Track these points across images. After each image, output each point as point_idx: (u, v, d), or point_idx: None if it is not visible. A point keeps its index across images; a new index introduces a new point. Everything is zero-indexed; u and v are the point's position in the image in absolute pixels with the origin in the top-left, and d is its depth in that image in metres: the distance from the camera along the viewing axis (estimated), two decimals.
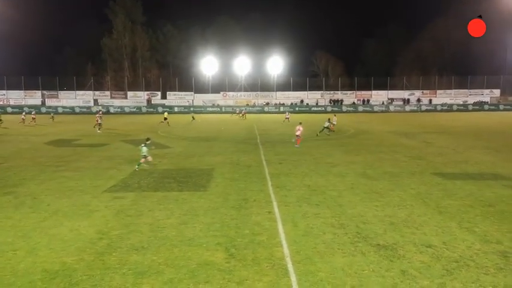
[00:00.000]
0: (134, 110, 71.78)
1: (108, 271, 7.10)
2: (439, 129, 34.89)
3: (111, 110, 70.63)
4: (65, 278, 6.86)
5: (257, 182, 14.13)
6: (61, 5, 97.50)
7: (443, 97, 76.06)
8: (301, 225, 9.51)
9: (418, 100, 75.50)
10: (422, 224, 9.55)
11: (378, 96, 76.81)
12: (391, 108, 72.83)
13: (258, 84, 79.33)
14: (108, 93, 77.57)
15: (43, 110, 66.14)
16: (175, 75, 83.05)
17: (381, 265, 7.28)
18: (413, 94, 77.06)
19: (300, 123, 24.39)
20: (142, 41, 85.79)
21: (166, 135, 30.94)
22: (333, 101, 76.54)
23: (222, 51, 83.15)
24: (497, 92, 76.03)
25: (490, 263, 7.35)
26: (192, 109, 69.24)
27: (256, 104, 74.61)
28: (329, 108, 72.08)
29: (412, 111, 71.20)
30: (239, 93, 78.46)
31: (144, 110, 72.02)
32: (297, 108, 70.22)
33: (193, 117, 47.83)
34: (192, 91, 77.41)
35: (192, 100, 75.88)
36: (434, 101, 75.09)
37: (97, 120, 34.68)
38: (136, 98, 76.51)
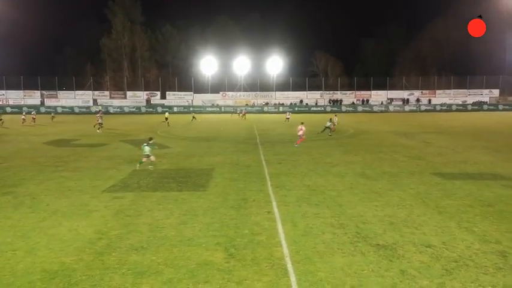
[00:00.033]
0: (133, 110, 71.75)
1: (107, 271, 7.09)
2: (438, 129, 34.92)
3: (111, 110, 70.60)
4: (64, 278, 6.85)
5: (256, 182, 14.12)
6: (60, 5, 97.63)
7: (443, 97, 76.16)
8: (301, 225, 9.51)
9: (418, 100, 75.57)
10: (422, 223, 9.55)
11: (377, 96, 76.89)
12: (391, 108, 72.88)
13: (258, 84, 79.35)
14: (107, 93, 77.56)
15: (42, 110, 66.08)
16: (174, 75, 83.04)
17: (380, 265, 7.28)
18: (413, 94, 77.14)
19: (302, 123, 24.41)
20: (141, 41, 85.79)
21: (166, 135, 30.92)
22: (332, 101, 76.58)
23: (221, 51, 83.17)
24: (496, 92, 76.14)
25: (489, 262, 7.36)
26: (191, 109, 69.23)
27: (256, 104, 74.60)
28: (328, 108, 72.11)
29: (411, 111, 71.26)
30: (238, 93, 78.47)
31: (143, 110, 71.99)
32: (296, 108, 70.23)
33: (194, 117, 47.76)
34: (191, 91, 77.41)
35: (192, 100, 75.88)
36: (434, 101, 75.18)
37: (97, 120, 34.69)
38: (136, 98, 76.50)
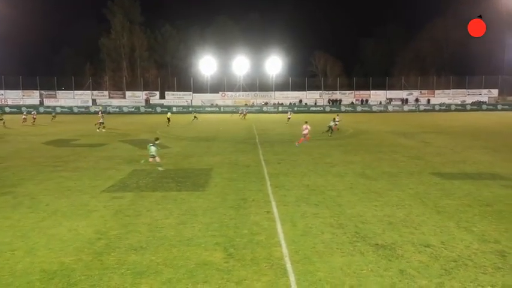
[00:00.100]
0: (132, 109, 71.67)
1: (106, 271, 7.09)
2: (437, 129, 34.95)
3: (109, 109, 70.49)
4: (63, 278, 6.85)
5: (256, 182, 14.13)
6: (59, 5, 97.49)
7: (442, 97, 76.21)
8: (300, 225, 9.52)
9: (417, 100, 75.62)
10: (421, 223, 9.57)
11: (376, 96, 76.91)
12: (390, 108, 72.91)
13: (257, 84, 79.33)
14: (106, 93, 77.47)
15: (41, 110, 65.99)
16: (173, 75, 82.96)
17: (380, 265, 7.29)
18: (412, 94, 77.18)
19: (306, 122, 24.48)
20: (140, 41, 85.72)
21: (165, 135, 30.89)
22: (331, 101, 76.59)
23: (220, 51, 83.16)
24: (495, 92, 76.22)
25: (488, 262, 7.37)
26: (190, 109, 69.19)
27: (255, 104, 74.60)
28: (327, 108, 72.11)
29: (410, 111, 71.30)
30: (238, 93, 78.44)
31: (142, 109, 71.93)
32: (295, 108, 70.19)
33: (195, 117, 47.61)
34: (190, 91, 77.37)
35: (191, 100, 75.84)
36: (433, 101, 75.22)
37: (99, 119, 34.79)
38: (135, 97, 76.44)
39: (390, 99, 76.29)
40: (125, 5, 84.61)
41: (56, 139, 28.34)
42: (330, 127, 30.23)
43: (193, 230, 9.19)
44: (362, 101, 76.42)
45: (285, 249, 7.99)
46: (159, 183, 13.98)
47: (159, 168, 16.11)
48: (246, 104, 71.80)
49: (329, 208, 10.87)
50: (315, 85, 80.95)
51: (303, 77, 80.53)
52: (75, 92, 75.53)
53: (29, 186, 13.73)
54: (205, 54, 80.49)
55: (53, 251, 8.03)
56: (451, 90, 76.79)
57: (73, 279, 6.78)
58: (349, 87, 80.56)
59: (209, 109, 71.88)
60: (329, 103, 75.61)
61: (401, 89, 78.25)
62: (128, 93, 77.24)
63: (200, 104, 73.91)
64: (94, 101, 74.60)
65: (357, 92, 77.81)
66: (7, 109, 65.78)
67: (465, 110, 70.16)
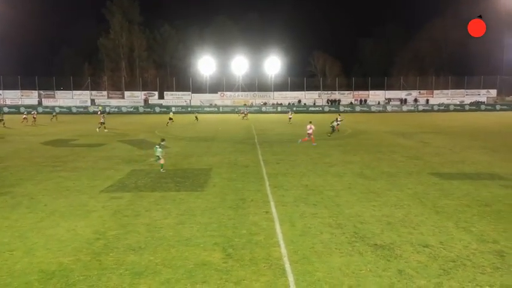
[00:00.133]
0: (131, 109, 71.56)
1: (105, 271, 7.08)
2: (436, 129, 34.99)
3: (108, 109, 70.35)
4: (61, 278, 6.84)
5: (255, 182, 14.13)
6: (58, 5, 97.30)
7: (440, 97, 76.27)
8: (299, 225, 9.52)
9: (415, 100, 75.66)
10: (420, 223, 9.58)
11: (375, 96, 76.92)
12: (389, 108, 72.93)
13: (256, 84, 79.28)
14: (105, 93, 77.33)
15: (40, 110, 65.86)
16: (172, 75, 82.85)
17: (378, 265, 7.30)
18: (411, 94, 77.21)
19: (310, 122, 24.52)
20: (139, 41, 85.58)
21: (164, 135, 30.86)
22: (330, 101, 76.59)
23: (219, 51, 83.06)
24: (493, 92, 76.30)
25: (486, 262, 7.38)
26: (189, 109, 69.17)
27: (254, 104, 74.59)
28: (326, 108, 72.14)
29: (409, 111, 71.32)
30: (237, 93, 78.39)
31: (141, 110, 71.83)
32: (294, 109, 70.14)
33: (196, 117, 47.55)
34: (189, 91, 77.31)
35: (190, 100, 75.77)
36: (431, 101, 75.27)
37: (100, 119, 34.83)
38: (134, 98, 76.32)
39: (389, 99, 76.32)
40: (123, 5, 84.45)
41: (55, 139, 28.30)
42: (333, 127, 30.27)
43: (192, 230, 9.19)
44: (361, 101, 76.43)
45: (283, 250, 8.00)
46: (157, 184, 13.97)
47: (161, 170, 16.03)
48: (245, 104, 71.77)
49: (328, 208, 10.88)
50: (314, 85, 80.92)
51: (301, 77, 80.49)
52: (74, 92, 75.39)
53: (28, 186, 13.72)
54: (204, 54, 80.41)
55: (52, 251, 8.02)
56: (450, 90, 76.84)
57: (71, 280, 6.78)
58: (348, 87, 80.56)
59: (208, 109, 71.82)
60: (328, 103, 75.62)
61: (400, 89, 78.27)
62: (127, 93, 77.12)
63: (199, 104, 73.87)
64: (93, 101, 74.48)
65: (356, 92, 77.80)
66: (5, 109, 65.59)
67: (464, 110, 70.22)
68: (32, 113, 45.27)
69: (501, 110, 69.14)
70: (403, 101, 75.98)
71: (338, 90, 79.30)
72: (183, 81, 79.43)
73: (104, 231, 9.13)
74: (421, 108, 72.30)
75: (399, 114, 62.69)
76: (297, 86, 79.01)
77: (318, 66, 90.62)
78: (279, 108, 71.52)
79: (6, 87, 73.41)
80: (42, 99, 73.46)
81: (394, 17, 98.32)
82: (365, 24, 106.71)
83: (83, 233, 9.03)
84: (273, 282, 6.65)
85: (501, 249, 8.01)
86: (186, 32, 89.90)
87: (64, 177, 15.08)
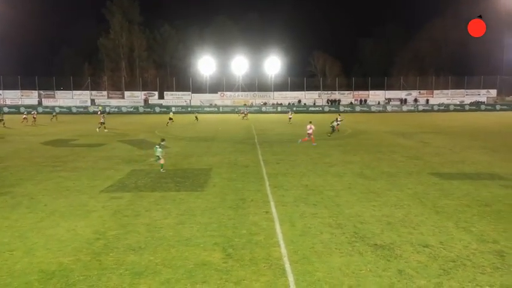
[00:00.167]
0: (131, 109, 71.57)
1: (105, 271, 7.08)
2: (436, 129, 34.99)
3: (108, 110, 70.36)
4: (61, 278, 6.84)
5: (255, 182, 14.13)
6: (58, 5, 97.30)
7: (440, 97, 76.27)
8: (299, 225, 9.52)
9: (415, 100, 75.67)
10: (419, 223, 9.58)
11: (375, 96, 76.93)
12: (389, 108, 72.93)
13: (256, 84, 79.27)
14: (105, 93, 77.33)
15: (40, 110, 65.87)
16: (172, 75, 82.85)
17: (378, 265, 7.30)
18: (411, 94, 77.22)
19: (310, 122, 24.53)
20: (139, 41, 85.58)
21: (164, 135, 30.86)
22: (330, 101, 76.59)
23: (219, 51, 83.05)
24: (493, 92, 76.32)
25: (486, 262, 7.38)
26: (189, 109, 69.19)
27: (254, 104, 74.59)
28: (326, 109, 72.15)
29: (409, 111, 71.32)
30: (237, 93, 78.39)
31: (141, 110, 71.83)
32: (294, 109, 70.17)
33: (196, 118, 47.53)
34: (189, 91, 77.31)
35: (190, 100, 75.78)
36: (431, 101, 75.27)
37: (100, 119, 34.86)
38: (134, 98, 76.32)
39: (389, 99, 76.32)
40: (123, 5, 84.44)
41: (55, 139, 28.30)
42: (333, 127, 30.30)
43: (192, 230, 9.19)
44: (361, 101, 76.43)
45: (283, 250, 8.00)
46: (157, 184, 13.97)
47: (161, 170, 16.03)
48: (245, 104, 71.78)
49: (328, 208, 10.88)
50: (314, 85, 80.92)
51: (301, 77, 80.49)
52: (74, 92, 75.39)
53: (28, 186, 13.72)
54: (204, 54, 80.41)
55: (52, 251, 8.02)
56: (450, 90, 76.85)
57: (71, 280, 6.78)
58: (348, 87, 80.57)
59: (208, 109, 71.83)
60: (328, 103, 75.62)
61: (400, 89, 78.27)
62: (127, 93, 77.12)
63: (199, 104, 73.88)
64: (93, 101, 74.49)
65: (356, 92, 77.80)
66: (5, 109, 65.59)
67: (464, 110, 70.22)
68: (32, 113, 45.26)
69: (501, 110, 69.15)
70: (403, 101, 75.98)
71: (338, 90, 79.30)
72: (183, 81, 79.44)
73: (104, 231, 9.13)
74: (421, 108, 72.30)
75: (399, 114, 62.69)
76: (297, 86, 79.00)
77: (318, 66, 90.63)
78: (279, 108, 71.53)
79: (6, 87, 73.42)
80: (42, 99, 73.46)
81: (394, 17, 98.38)
82: (365, 24, 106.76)
83: (83, 233, 9.03)
84: (273, 282, 6.65)
85: (501, 249, 8.02)
86: (186, 32, 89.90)
87: (64, 177, 15.09)
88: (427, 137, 27.92)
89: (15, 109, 65.37)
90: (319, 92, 78.83)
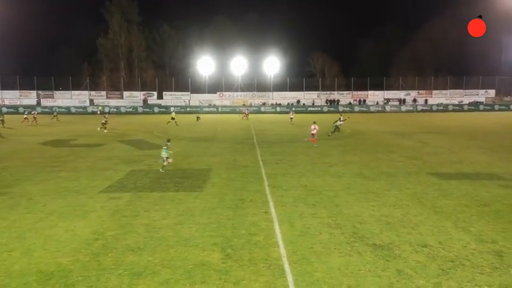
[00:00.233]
0: (130, 110, 71.49)
1: (103, 272, 7.07)
2: (434, 129, 35.02)
3: (106, 110, 70.28)
4: (60, 279, 6.83)
5: (254, 182, 14.13)
6: (57, 5, 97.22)
7: (439, 97, 76.37)
8: (298, 225, 9.52)
9: (414, 100, 75.73)
10: (418, 223, 9.59)
11: (374, 97, 76.99)
12: (387, 108, 72.98)
13: (255, 85, 79.24)
14: (104, 93, 77.25)
15: (38, 110, 65.76)
16: (171, 76, 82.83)
17: (377, 265, 7.30)
18: (409, 94, 77.29)
19: (314, 122, 24.51)
20: (138, 41, 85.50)
21: (164, 136, 30.84)
22: (329, 101, 76.62)
23: (218, 51, 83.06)
24: (492, 93, 76.44)
25: (485, 262, 7.39)
26: (188, 109, 69.17)
27: (253, 104, 74.58)
28: (325, 109, 72.20)
29: (408, 111, 71.39)
30: (236, 94, 78.38)
31: (140, 110, 71.76)
32: (293, 109, 70.20)
33: (198, 117, 47.43)
34: (188, 91, 77.27)
35: (189, 100, 75.75)
36: (430, 101, 75.36)
37: (102, 120, 34.85)
38: (133, 98, 76.24)
39: (388, 100, 76.39)
40: (122, 5, 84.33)
41: (54, 139, 28.25)
42: (337, 127, 30.27)
43: (191, 231, 9.18)
44: (360, 101, 76.47)
45: (282, 250, 8.00)
46: (156, 184, 13.96)
47: (161, 170, 16.00)
48: (244, 105, 71.78)
49: (327, 208, 10.88)
50: (313, 85, 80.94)
51: (300, 77, 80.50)
52: (73, 92, 75.29)
53: (26, 186, 13.69)
54: (203, 54, 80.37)
55: (50, 251, 8.00)
56: (449, 90, 76.95)
57: (70, 280, 6.76)
58: (347, 87, 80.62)
59: (207, 109, 71.80)
60: (327, 103, 75.67)
61: (398, 89, 78.33)
62: (126, 94, 77.04)
63: (198, 104, 73.86)
64: (92, 101, 74.42)
65: (355, 92, 77.85)
66: (4, 109, 65.48)
67: (462, 110, 70.31)
68: (33, 113, 45.19)
69: (499, 110, 69.28)
70: (402, 101, 76.05)
71: (337, 91, 79.33)
72: (182, 82, 79.42)
73: (103, 232, 9.12)
74: (419, 108, 72.37)
75: (398, 115, 62.75)
76: (295, 86, 78.99)
77: (317, 66, 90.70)
78: (278, 109, 71.55)
79: (4, 87, 73.29)
80: (41, 100, 73.36)
81: (393, 17, 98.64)
82: (364, 25, 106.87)
83: (82, 234, 9.01)
84: (272, 283, 6.65)
85: (500, 249, 8.03)
86: (186, 32, 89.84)
87: (63, 178, 15.06)
88: (425, 137, 27.95)
89: (14, 109, 65.27)
90: (318, 92, 78.87)
